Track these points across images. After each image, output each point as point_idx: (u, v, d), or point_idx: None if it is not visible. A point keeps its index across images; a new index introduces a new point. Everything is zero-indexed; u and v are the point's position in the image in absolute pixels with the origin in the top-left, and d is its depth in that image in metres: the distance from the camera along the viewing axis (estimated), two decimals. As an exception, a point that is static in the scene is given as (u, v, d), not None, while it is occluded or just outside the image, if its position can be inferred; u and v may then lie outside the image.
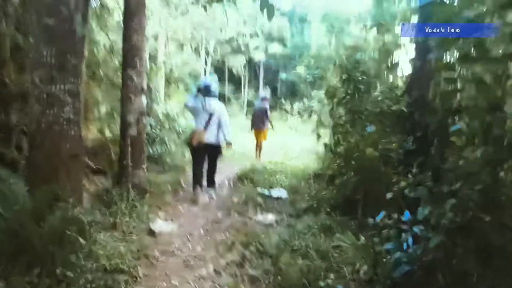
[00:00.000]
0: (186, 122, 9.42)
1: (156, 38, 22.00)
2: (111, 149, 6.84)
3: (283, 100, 32.70)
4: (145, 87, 5.89)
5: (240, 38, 31.16)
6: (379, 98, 5.44)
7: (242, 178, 7.61)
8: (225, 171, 8.71)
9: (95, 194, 5.72)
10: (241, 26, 30.63)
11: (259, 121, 11.87)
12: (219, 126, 6.54)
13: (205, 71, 31.51)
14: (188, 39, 27.31)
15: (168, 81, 27.89)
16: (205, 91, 6.51)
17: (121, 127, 5.87)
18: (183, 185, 7.07)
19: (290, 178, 7.60)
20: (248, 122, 29.61)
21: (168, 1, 20.81)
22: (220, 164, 7.19)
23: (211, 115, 6.43)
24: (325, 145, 7.01)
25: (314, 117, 29.40)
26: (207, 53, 31.21)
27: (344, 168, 5.48)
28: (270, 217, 5.59)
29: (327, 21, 28.01)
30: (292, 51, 33.71)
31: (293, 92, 33.40)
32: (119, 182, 5.66)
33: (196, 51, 30.40)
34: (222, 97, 32.46)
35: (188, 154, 8.44)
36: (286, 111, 32.34)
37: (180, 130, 8.66)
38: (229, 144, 6.81)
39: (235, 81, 33.39)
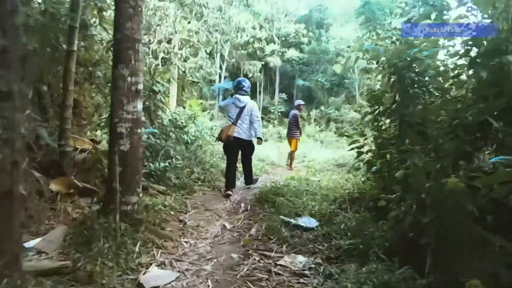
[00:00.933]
0: (197, 129, 8.08)
1: (169, 41, 20.83)
2: (103, 163, 5.52)
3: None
4: (141, 88, 4.52)
5: (256, 43, 29.87)
6: (458, 106, 3.94)
7: (261, 200, 6.18)
8: (240, 188, 7.34)
9: (75, 226, 4.38)
10: (257, 30, 29.35)
11: (290, 128, 11.64)
12: (250, 122, 6.65)
13: (220, 76, 30.28)
14: (203, 43, 26.11)
15: (183, 87, 26.77)
16: (237, 87, 6.73)
17: (109, 140, 4.52)
18: (190, 210, 5.66)
19: (319, 201, 6.14)
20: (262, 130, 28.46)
21: (182, 2, 19.59)
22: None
23: (241, 109, 6.50)
24: (368, 163, 5.59)
25: (332, 126, 28.03)
26: (222, 58, 29.97)
27: (403, 199, 4.03)
28: (301, 260, 4.17)
29: (364, 13, 26.15)
30: (309, 56, 32.27)
31: (309, 98, 31.90)
32: (106, 210, 4.31)
33: (211, 55, 29.17)
34: (236, 103, 31.35)
35: (198, 170, 7.13)
36: (303, 119, 30.89)
37: (189, 140, 7.29)
38: (259, 139, 6.98)
39: (251, 87, 32.01)
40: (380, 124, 5.57)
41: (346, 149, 11.21)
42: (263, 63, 30.06)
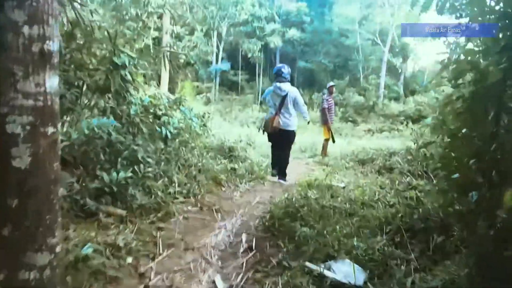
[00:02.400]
0: (183, 118, 5.88)
1: (160, 16, 18.50)
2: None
3: (301, 90, 29.02)
4: (54, 50, 2.32)
5: (255, 21, 27.50)
6: None
7: (273, 229, 4.04)
8: (241, 203, 5.14)
9: None
10: (256, 8, 26.95)
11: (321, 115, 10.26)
12: (293, 110, 6.39)
13: (217, 57, 27.98)
14: (198, 20, 23.76)
15: (177, 67, 24.42)
16: (276, 75, 6.43)
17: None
18: (160, 251, 3.46)
19: (357, 226, 3.98)
20: (259, 114, 26.31)
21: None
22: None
23: (283, 98, 6.24)
24: (445, 167, 3.42)
25: (346, 115, 25.85)
26: (220, 38, 27.60)
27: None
28: None
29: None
30: (311, 36, 29.90)
31: (311, 81, 29.69)
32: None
33: (207, 34, 26.81)
34: (235, 85, 29.07)
35: (179, 178, 4.96)
36: (305, 103, 28.67)
37: (169, 133, 5.06)
38: (308, 122, 7.24)
39: (250, 69, 29.76)
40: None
41: (357, 138, 9.43)
42: (262, 43, 27.71)
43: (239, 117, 23.02)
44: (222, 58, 28.26)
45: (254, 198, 5.11)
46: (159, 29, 19.07)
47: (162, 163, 4.57)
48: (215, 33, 26.47)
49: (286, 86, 6.34)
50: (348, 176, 6.84)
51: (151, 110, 5.00)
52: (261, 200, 5.10)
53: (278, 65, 6.84)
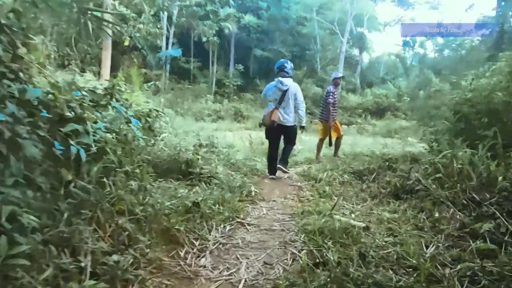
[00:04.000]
0: (110, 120, 3.52)
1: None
2: None
3: (257, 81, 26.89)
4: None
5: (208, 5, 24.95)
6: None
7: None
8: None
9: None
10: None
11: (321, 110, 8.32)
12: (294, 107, 6.12)
13: (167, 42, 25.16)
14: (146, 1, 20.86)
15: (122, 53, 21.36)
16: (279, 70, 6.20)
17: None
18: None
19: None
20: (215, 106, 23.94)
21: None
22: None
23: (284, 92, 6.01)
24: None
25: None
26: (170, 21, 24.80)
27: None
28: None
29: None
30: (268, 23, 27.73)
31: (268, 71, 27.55)
32: None
33: (156, 17, 23.92)
34: (187, 74, 26.42)
35: (89, 237, 2.60)
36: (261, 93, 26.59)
37: (84, 148, 2.69)
38: (302, 128, 6.61)
39: (203, 56, 27.16)
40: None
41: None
42: (217, 29, 25.21)
43: (192, 108, 20.56)
44: (173, 44, 25.47)
45: (237, 270, 2.85)
46: (99, 5, 16.16)
47: (62, 224, 2.24)
48: (165, 15, 23.65)
49: (288, 81, 6.11)
50: (353, 201, 4.82)
51: (57, 110, 2.65)
52: (251, 272, 2.82)
53: (281, 60, 6.58)
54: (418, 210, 4.18)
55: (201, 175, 4.59)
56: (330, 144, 8.08)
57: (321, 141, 8.17)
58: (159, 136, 5.26)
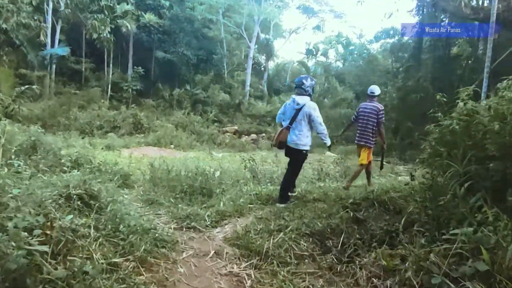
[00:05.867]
0: None
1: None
2: None
3: (160, 85, 24.57)
4: None
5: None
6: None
7: None
8: None
9: None
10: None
11: (360, 130, 6.70)
12: (306, 127, 5.47)
13: (52, 39, 21.69)
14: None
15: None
16: (296, 87, 5.67)
17: None
18: None
19: None
20: (110, 113, 20.94)
21: None
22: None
23: (297, 112, 5.46)
24: None
25: (211, 115, 22.09)
26: (58, 16, 21.45)
27: None
28: None
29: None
30: (171, 24, 25.57)
31: (171, 75, 25.41)
32: None
33: (40, 10, 20.49)
34: (78, 76, 23.12)
35: None
36: (164, 99, 24.27)
37: None
38: (328, 147, 5.95)
39: (97, 56, 24.06)
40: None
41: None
42: (112, 26, 22.40)
43: (80, 118, 17.42)
44: (60, 41, 22.06)
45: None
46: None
47: None
48: (50, 7, 20.36)
49: (303, 100, 5.49)
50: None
51: None
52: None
53: (302, 75, 5.96)
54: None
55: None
56: (382, 167, 7.11)
57: (361, 166, 6.62)
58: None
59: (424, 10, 16.20)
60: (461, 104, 3.27)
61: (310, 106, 5.48)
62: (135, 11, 23.63)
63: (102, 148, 12.34)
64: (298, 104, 5.45)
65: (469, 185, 2.90)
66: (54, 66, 21.49)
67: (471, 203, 2.72)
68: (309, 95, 5.55)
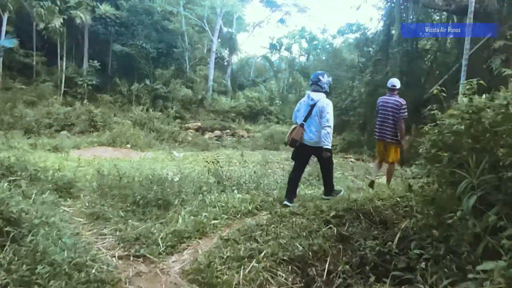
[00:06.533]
0: None
1: None
2: None
3: (117, 80, 23.35)
4: None
5: (54, -11, 20.72)
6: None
7: None
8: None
9: None
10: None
11: (383, 126, 6.35)
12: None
13: (-2, 31, 20.10)
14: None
15: None
16: (312, 83, 5.54)
17: None
18: None
19: None
20: (63, 109, 19.49)
21: None
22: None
23: (311, 108, 5.35)
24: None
25: (172, 111, 21.10)
26: (3, 6, 19.86)
27: None
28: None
29: None
30: (128, 15, 24.35)
31: (130, 69, 24.22)
32: None
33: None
34: (28, 70, 21.57)
35: None
36: (122, 94, 23.09)
37: None
38: (327, 151, 5.29)
39: (49, 49, 22.55)
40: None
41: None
42: (65, 17, 21.02)
43: (27, 115, 15.96)
44: (7, 32, 20.48)
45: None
46: None
47: None
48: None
49: (319, 96, 5.32)
50: None
51: None
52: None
53: (318, 71, 5.73)
54: None
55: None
56: (402, 165, 6.84)
57: (392, 164, 6.45)
58: None
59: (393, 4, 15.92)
60: (464, 99, 2.75)
61: (324, 102, 5.34)
62: (90, 2, 22.30)
63: (49, 150, 11.24)
64: (312, 99, 5.35)
65: (478, 198, 2.39)
66: (1, 59, 19.92)
67: (489, 221, 2.20)
68: (326, 92, 5.45)
